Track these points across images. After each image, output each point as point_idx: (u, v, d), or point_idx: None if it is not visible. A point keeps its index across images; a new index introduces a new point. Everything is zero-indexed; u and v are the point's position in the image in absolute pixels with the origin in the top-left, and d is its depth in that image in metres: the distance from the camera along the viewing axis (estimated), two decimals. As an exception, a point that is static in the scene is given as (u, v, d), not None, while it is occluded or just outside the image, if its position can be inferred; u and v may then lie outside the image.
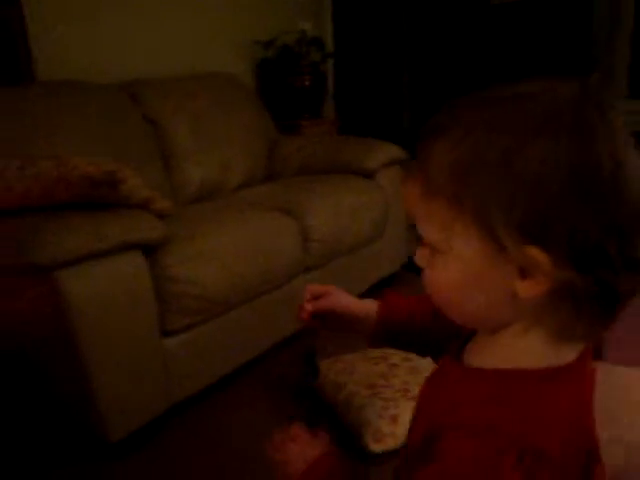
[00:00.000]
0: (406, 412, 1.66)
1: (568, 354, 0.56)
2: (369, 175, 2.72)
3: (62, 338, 1.62)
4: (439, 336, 0.71)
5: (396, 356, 1.97)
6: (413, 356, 1.92)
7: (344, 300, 0.87)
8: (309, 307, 0.87)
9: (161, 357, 1.82)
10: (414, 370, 1.89)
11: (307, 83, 3.48)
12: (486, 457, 0.49)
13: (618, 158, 0.49)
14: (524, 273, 0.51)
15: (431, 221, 0.55)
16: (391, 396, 1.77)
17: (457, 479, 0.50)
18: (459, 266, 0.54)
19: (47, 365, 1.76)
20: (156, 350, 1.81)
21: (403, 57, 3.72)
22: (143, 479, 1.71)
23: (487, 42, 3.41)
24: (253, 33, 3.43)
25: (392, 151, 2.80)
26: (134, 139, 2.49)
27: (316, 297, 0.88)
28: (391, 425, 1.66)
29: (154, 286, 1.77)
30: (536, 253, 0.49)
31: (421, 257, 0.59)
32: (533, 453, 0.49)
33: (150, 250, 1.78)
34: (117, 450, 1.76)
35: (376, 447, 1.62)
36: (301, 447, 0.75)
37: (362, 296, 0.91)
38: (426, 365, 1.84)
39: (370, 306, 0.86)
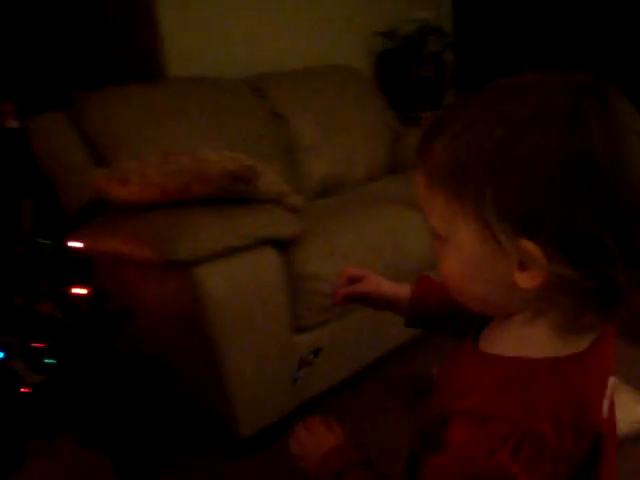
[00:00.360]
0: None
1: (577, 344, 0.56)
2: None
3: (198, 333, 1.63)
4: (467, 320, 0.71)
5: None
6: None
7: (379, 285, 0.90)
8: (342, 292, 0.90)
9: (292, 354, 1.80)
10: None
11: (428, 73, 3.37)
12: (487, 445, 0.49)
13: (616, 148, 0.48)
14: (522, 265, 0.51)
15: (436, 213, 0.57)
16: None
17: (460, 464, 0.51)
18: (462, 257, 0.56)
19: (182, 360, 1.78)
20: (287, 347, 1.78)
21: (524, 45, 3.52)
22: (271, 474, 1.69)
23: (615, 29, 3.15)
24: (372, 24, 3.36)
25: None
26: (260, 133, 2.49)
27: (352, 280, 0.91)
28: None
29: (287, 283, 1.75)
30: (529, 247, 0.50)
31: (434, 247, 0.60)
32: (531, 441, 0.49)
33: (282, 246, 1.75)
34: (248, 446, 1.76)
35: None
36: (316, 439, 0.77)
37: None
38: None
39: (403, 291, 0.88)
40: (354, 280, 0.91)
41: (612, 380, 0.60)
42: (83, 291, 1.42)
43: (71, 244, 1.57)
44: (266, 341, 1.72)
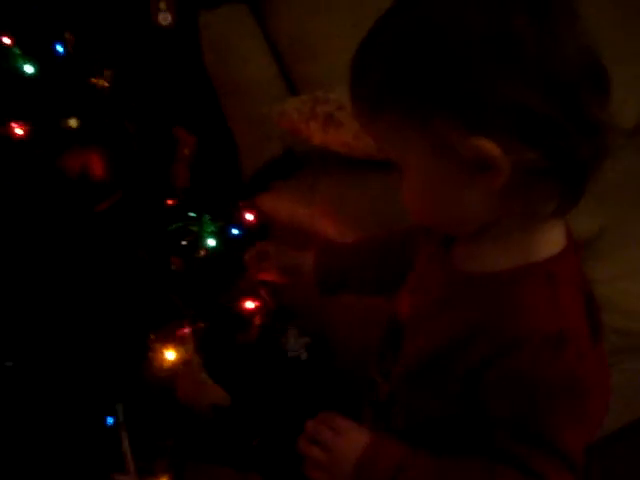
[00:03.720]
0: None
1: (551, 246, 0.57)
2: None
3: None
4: (395, 268, 0.73)
5: None
6: None
7: (284, 260, 0.85)
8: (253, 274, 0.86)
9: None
10: None
11: None
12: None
13: (541, 23, 0.48)
14: (482, 167, 0.50)
15: (385, 141, 0.56)
16: None
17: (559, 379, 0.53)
18: (423, 177, 0.55)
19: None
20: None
21: None
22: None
23: None
24: None
25: None
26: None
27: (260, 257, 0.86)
28: None
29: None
30: (481, 142, 0.49)
31: (397, 178, 0.59)
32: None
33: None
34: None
35: None
36: (349, 438, 0.60)
37: None
38: None
39: (304, 258, 0.84)
40: (260, 259, 0.86)
41: None
42: (251, 305, 0.90)
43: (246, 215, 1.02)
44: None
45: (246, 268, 0.86)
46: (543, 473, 0.54)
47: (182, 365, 0.79)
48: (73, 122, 0.75)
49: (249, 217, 1.01)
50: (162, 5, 0.88)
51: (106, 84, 0.90)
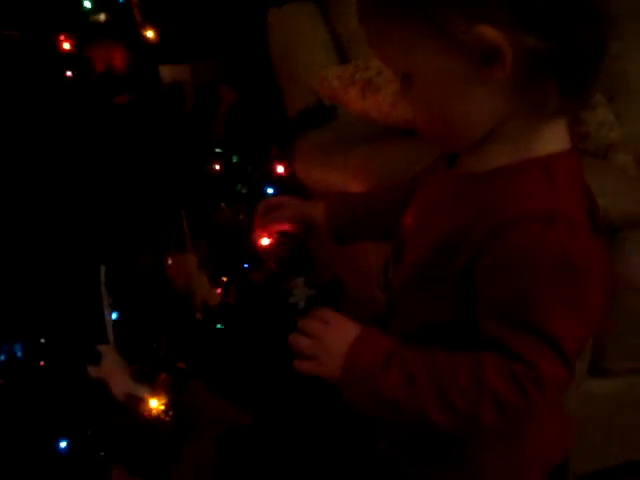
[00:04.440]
0: None
1: (552, 145, 0.57)
2: None
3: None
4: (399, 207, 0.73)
5: None
6: None
7: (297, 211, 0.85)
8: (259, 227, 0.86)
9: (579, 402, 1.12)
10: None
11: None
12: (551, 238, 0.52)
13: None
14: (486, 59, 0.51)
15: (393, 52, 0.57)
16: None
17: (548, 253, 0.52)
18: (431, 82, 0.56)
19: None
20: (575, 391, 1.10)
21: None
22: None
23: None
24: None
25: None
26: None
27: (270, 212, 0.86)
28: None
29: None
30: (483, 29, 0.50)
31: (403, 94, 0.60)
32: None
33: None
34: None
35: None
36: (337, 329, 0.60)
37: None
38: None
39: (317, 208, 0.84)
40: (272, 209, 0.86)
41: None
42: (268, 242, 0.91)
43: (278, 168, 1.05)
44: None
45: (254, 216, 0.87)
46: (525, 355, 0.52)
47: (178, 262, 0.82)
48: (102, 16, 0.80)
49: (280, 168, 1.03)
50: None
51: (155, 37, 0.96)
